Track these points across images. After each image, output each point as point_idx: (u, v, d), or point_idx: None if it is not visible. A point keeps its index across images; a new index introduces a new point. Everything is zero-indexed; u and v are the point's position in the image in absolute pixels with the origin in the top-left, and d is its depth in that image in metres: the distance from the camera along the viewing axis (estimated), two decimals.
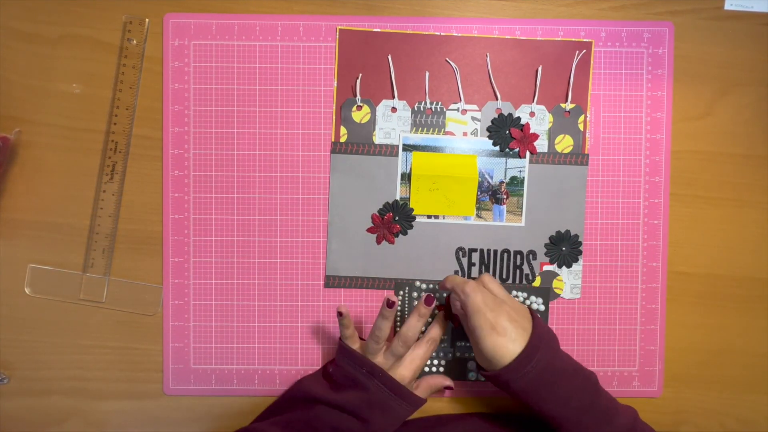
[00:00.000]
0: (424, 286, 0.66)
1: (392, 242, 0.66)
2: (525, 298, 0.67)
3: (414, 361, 0.61)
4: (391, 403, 0.58)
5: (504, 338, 0.55)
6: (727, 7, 0.67)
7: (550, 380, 0.56)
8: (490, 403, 0.67)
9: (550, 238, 0.67)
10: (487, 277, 0.61)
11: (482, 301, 0.56)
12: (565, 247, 0.66)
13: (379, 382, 0.58)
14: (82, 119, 0.66)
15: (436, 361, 0.66)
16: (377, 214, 0.66)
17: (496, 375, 0.56)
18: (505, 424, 0.63)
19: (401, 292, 0.66)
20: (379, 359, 0.60)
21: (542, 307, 0.67)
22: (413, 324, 0.59)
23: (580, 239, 0.67)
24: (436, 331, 0.63)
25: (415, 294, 0.66)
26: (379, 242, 0.66)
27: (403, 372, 0.60)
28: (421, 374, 0.66)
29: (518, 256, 0.67)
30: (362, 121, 0.66)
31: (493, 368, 0.56)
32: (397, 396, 0.58)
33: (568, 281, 0.67)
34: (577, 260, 0.67)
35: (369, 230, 0.66)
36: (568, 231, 0.67)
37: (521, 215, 0.67)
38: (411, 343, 0.60)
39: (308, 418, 0.58)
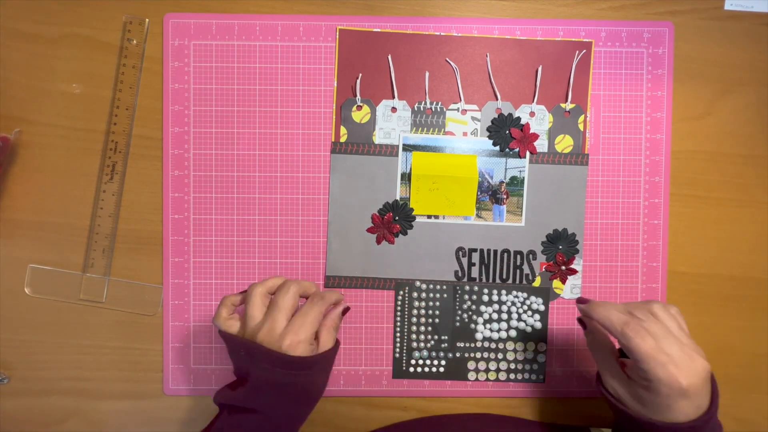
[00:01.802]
0: (424, 286, 0.66)
1: (392, 242, 0.66)
2: (525, 298, 0.67)
3: (293, 322, 0.50)
4: (283, 380, 0.48)
5: (691, 404, 0.45)
6: (727, 7, 0.67)
7: None
8: (489, 404, 0.67)
9: (547, 236, 0.67)
10: (659, 309, 0.48)
11: (654, 349, 0.45)
12: (561, 246, 0.66)
13: (263, 363, 0.48)
14: (82, 119, 0.66)
15: (436, 362, 0.66)
16: (377, 214, 0.66)
17: (662, 427, 0.46)
18: (504, 424, 0.64)
19: (401, 292, 0.66)
20: (254, 325, 0.50)
21: (542, 308, 0.67)
22: (303, 284, 0.51)
23: (577, 238, 0.67)
24: (329, 293, 0.54)
25: (415, 294, 0.66)
26: (379, 242, 0.66)
27: (281, 336, 0.49)
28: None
29: (518, 256, 0.67)
30: (362, 121, 0.66)
31: (651, 417, 0.47)
32: (287, 370, 0.48)
33: (568, 281, 0.67)
34: (574, 259, 0.67)
35: (369, 230, 0.66)
36: (565, 229, 0.67)
37: (521, 215, 0.67)
38: (295, 294, 0.51)
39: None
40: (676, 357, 0.45)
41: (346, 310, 0.57)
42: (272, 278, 0.54)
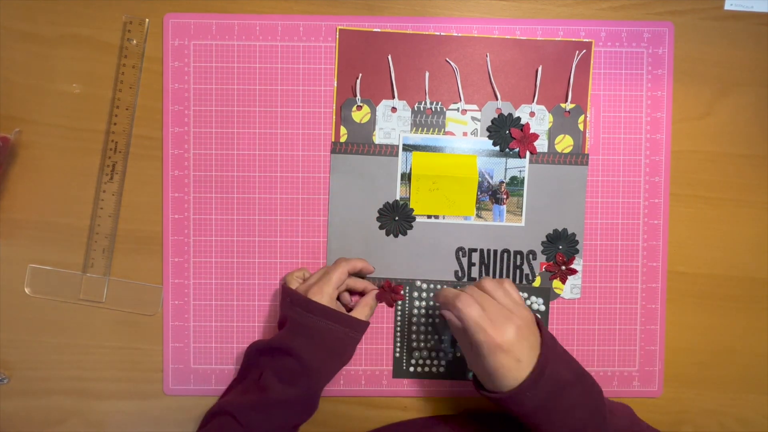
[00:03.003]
0: (425, 285, 0.66)
1: (391, 306, 0.67)
2: (525, 299, 0.67)
3: (321, 278, 0.60)
4: (309, 322, 0.58)
5: (509, 358, 0.50)
6: (727, 7, 0.67)
7: (557, 397, 0.51)
8: (490, 403, 0.67)
9: (547, 236, 0.67)
10: (488, 283, 0.54)
11: (479, 316, 0.51)
12: (561, 246, 0.66)
13: (296, 305, 0.59)
14: (82, 119, 0.66)
15: (436, 362, 0.66)
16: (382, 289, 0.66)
17: (499, 398, 0.51)
18: (500, 422, 0.64)
19: (401, 293, 0.66)
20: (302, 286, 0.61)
21: (543, 308, 0.67)
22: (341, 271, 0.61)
23: (577, 238, 0.67)
24: (357, 260, 0.63)
25: (415, 294, 0.66)
26: (379, 300, 0.66)
27: (315, 291, 0.59)
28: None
29: (518, 256, 0.67)
30: (362, 121, 0.66)
31: (495, 388, 0.52)
32: (311, 313, 0.58)
33: (568, 281, 0.67)
34: (574, 259, 0.67)
35: (377, 297, 0.65)
36: (565, 229, 0.67)
37: (521, 215, 0.67)
38: (339, 268, 0.61)
39: (258, 374, 0.59)
40: (494, 318, 0.51)
41: (386, 297, 0.66)
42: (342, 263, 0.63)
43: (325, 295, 0.59)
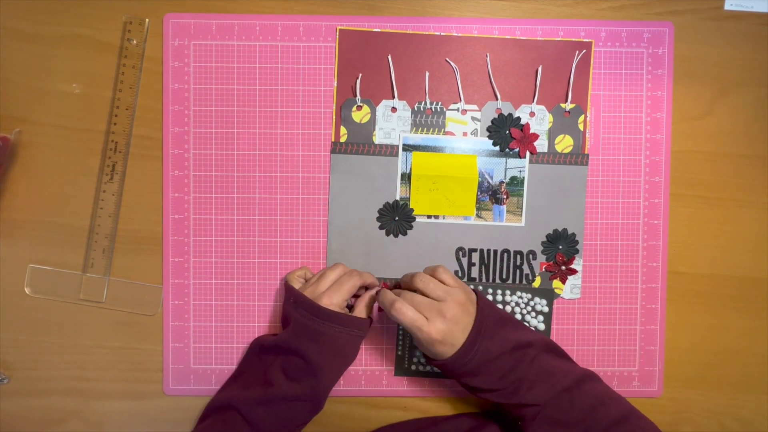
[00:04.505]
0: None
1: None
2: (529, 299, 0.67)
3: (331, 287, 0.61)
4: (316, 326, 0.58)
5: (445, 345, 0.57)
6: (727, 7, 0.67)
7: (488, 365, 0.57)
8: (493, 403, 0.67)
9: (547, 236, 0.67)
10: (419, 280, 0.59)
11: (413, 318, 0.56)
12: (561, 246, 0.66)
13: (302, 309, 0.59)
14: (82, 119, 0.66)
15: None
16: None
17: (440, 365, 0.58)
18: (496, 421, 0.64)
19: None
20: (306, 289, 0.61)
21: (546, 309, 0.67)
22: (346, 276, 0.62)
23: (577, 238, 0.67)
24: (366, 273, 0.64)
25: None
26: (381, 310, 0.66)
27: (324, 297, 0.60)
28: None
29: (518, 256, 0.67)
30: (362, 121, 0.66)
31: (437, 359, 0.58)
32: (320, 318, 0.58)
33: (568, 281, 0.67)
34: (574, 259, 0.67)
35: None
36: (565, 229, 0.67)
37: (521, 215, 0.67)
38: (341, 273, 0.62)
39: (263, 370, 0.60)
40: (426, 315, 0.57)
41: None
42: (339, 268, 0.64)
43: (335, 305, 0.59)
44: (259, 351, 0.62)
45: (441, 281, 0.60)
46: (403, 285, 0.63)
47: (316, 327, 0.58)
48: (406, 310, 0.57)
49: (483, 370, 0.57)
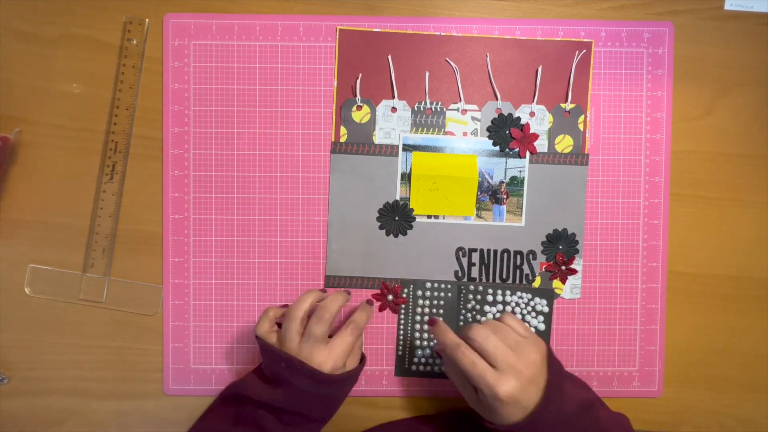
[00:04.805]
0: (429, 284, 0.66)
1: (395, 311, 0.67)
2: (529, 299, 0.67)
3: (334, 349, 0.56)
4: (322, 392, 0.56)
5: (514, 407, 0.50)
6: (727, 7, 0.67)
7: (560, 426, 0.51)
8: None
9: (547, 236, 0.67)
10: (486, 327, 0.53)
11: (482, 370, 0.50)
12: (561, 246, 0.66)
13: (301, 375, 0.55)
14: (82, 119, 0.66)
15: (438, 360, 0.66)
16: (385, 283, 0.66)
17: (501, 430, 0.51)
18: None
19: (405, 291, 0.66)
20: (294, 346, 0.56)
21: (546, 309, 0.67)
22: (336, 302, 0.57)
23: (577, 238, 0.67)
24: (360, 317, 0.59)
25: (419, 292, 0.66)
26: (381, 310, 0.66)
27: (323, 360, 0.55)
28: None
29: (518, 256, 0.67)
30: (362, 121, 0.66)
31: (495, 423, 0.52)
32: (322, 384, 0.55)
33: (568, 281, 0.67)
34: (574, 259, 0.67)
35: (380, 308, 0.66)
36: (565, 229, 0.67)
37: (521, 215, 0.67)
38: (328, 321, 0.56)
39: (253, 418, 0.57)
40: (500, 369, 0.50)
41: (383, 306, 0.65)
42: (306, 297, 0.59)
43: (339, 369, 0.57)
44: (247, 400, 0.58)
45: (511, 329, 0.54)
46: (441, 345, 0.56)
47: (322, 392, 0.56)
48: (475, 359, 0.51)
49: None
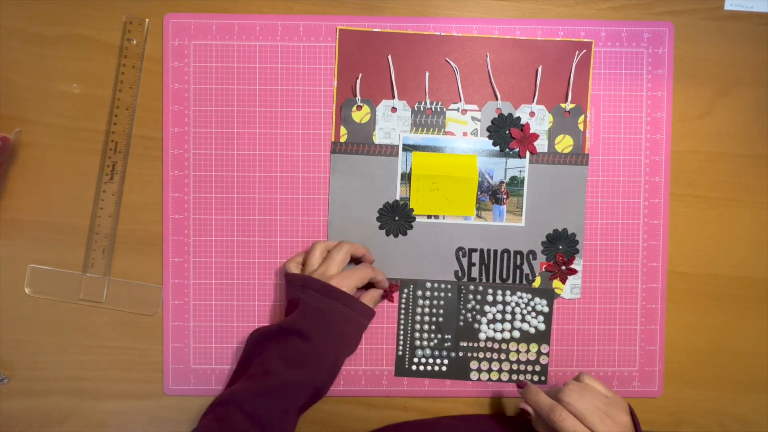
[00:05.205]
0: (429, 284, 0.66)
1: (392, 301, 0.67)
2: (529, 299, 0.67)
3: (348, 276, 0.60)
4: (326, 306, 0.58)
5: None
6: (727, 7, 0.67)
7: None
8: (490, 403, 0.67)
9: (547, 236, 0.67)
10: (576, 388, 0.57)
11: (577, 428, 0.54)
12: (561, 246, 0.66)
13: (311, 290, 0.58)
14: (82, 119, 0.66)
15: (438, 360, 0.66)
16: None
17: None
18: (501, 424, 0.64)
19: (405, 290, 0.66)
20: (312, 270, 0.61)
21: (546, 309, 0.67)
22: (355, 245, 0.62)
23: (577, 238, 0.67)
24: (370, 257, 0.65)
25: (419, 292, 0.66)
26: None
27: (337, 282, 0.59)
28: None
29: (518, 256, 0.67)
30: (362, 121, 0.66)
31: None
32: (331, 298, 0.58)
33: (568, 281, 0.67)
34: (574, 259, 0.67)
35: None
36: (565, 229, 0.67)
37: (521, 215, 0.67)
38: (348, 251, 0.62)
39: (261, 359, 0.58)
40: (602, 426, 0.54)
41: (385, 295, 0.66)
42: (333, 242, 0.64)
43: (345, 288, 0.59)
44: (256, 340, 0.60)
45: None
46: (533, 405, 0.58)
47: (326, 306, 0.58)
48: (574, 423, 0.54)
49: None
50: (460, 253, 0.67)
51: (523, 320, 0.67)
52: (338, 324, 0.58)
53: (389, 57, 0.66)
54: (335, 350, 0.58)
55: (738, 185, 0.67)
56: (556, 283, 0.67)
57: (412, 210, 0.66)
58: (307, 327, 0.57)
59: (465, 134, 0.66)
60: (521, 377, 0.67)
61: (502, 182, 0.66)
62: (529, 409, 0.59)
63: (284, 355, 0.57)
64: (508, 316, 0.67)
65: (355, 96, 0.66)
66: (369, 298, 0.62)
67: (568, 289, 0.67)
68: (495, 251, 0.67)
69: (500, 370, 0.67)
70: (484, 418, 0.66)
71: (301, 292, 0.59)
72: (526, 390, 0.60)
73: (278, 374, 0.56)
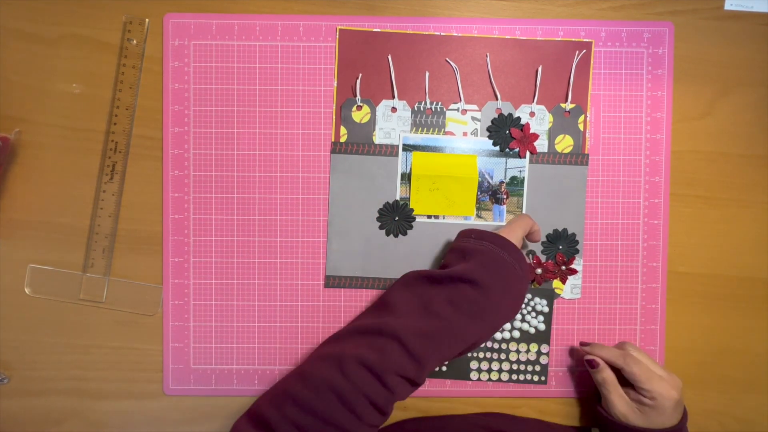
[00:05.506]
0: None
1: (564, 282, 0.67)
2: (529, 299, 0.67)
3: (515, 226, 0.61)
4: (505, 260, 0.56)
5: (678, 410, 0.59)
6: (727, 7, 0.67)
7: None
8: (490, 404, 0.67)
9: (547, 236, 0.67)
10: (633, 346, 0.62)
11: (649, 371, 0.59)
12: (561, 246, 0.66)
13: (489, 242, 0.57)
14: (82, 119, 0.66)
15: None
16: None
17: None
18: (505, 423, 0.64)
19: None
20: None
21: (546, 309, 0.67)
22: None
23: (577, 238, 0.67)
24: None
25: None
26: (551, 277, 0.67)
27: (506, 231, 0.60)
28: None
29: None
30: (362, 121, 0.66)
31: (643, 424, 0.59)
32: (507, 252, 0.57)
33: (568, 281, 0.67)
34: (574, 259, 0.67)
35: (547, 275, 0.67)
36: (565, 229, 0.67)
37: None
38: None
39: (424, 301, 0.55)
40: (664, 376, 0.59)
41: (549, 275, 0.67)
42: None
43: (514, 240, 0.59)
44: (416, 281, 0.58)
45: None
46: (605, 355, 0.63)
47: (498, 255, 0.56)
48: (640, 363, 0.60)
49: None
50: None
51: (523, 320, 0.67)
52: (513, 281, 0.57)
53: (389, 57, 0.66)
54: (508, 308, 0.57)
55: (738, 185, 0.67)
56: (556, 283, 0.67)
57: (412, 210, 0.66)
58: (487, 279, 0.55)
59: (465, 134, 0.66)
60: (521, 377, 0.67)
61: (502, 182, 0.66)
62: (598, 360, 0.62)
63: (454, 302, 0.55)
64: None
65: (355, 96, 0.66)
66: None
67: (568, 289, 0.67)
68: None
69: (500, 370, 0.67)
70: (490, 416, 0.66)
71: (477, 244, 0.58)
72: (593, 346, 0.63)
73: (449, 320, 0.54)
